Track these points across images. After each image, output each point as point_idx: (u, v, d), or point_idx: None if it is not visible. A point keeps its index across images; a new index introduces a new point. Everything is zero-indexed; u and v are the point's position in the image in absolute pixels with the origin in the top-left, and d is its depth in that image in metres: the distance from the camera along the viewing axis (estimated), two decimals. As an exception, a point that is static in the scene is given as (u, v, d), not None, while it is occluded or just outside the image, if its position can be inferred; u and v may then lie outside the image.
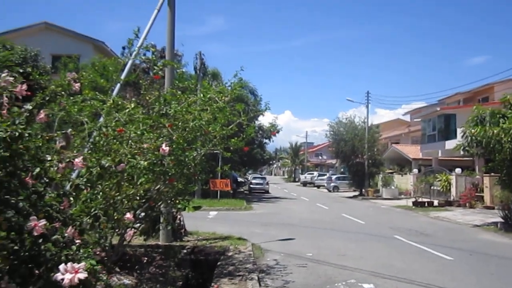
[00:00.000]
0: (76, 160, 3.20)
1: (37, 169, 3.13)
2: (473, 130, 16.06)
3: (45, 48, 24.86)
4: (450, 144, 25.82)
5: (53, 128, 5.55)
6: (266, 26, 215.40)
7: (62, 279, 2.28)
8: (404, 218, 20.08)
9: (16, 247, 2.57)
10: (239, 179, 48.78)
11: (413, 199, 26.51)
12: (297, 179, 77.61)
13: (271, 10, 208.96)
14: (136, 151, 6.99)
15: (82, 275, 2.32)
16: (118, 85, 8.86)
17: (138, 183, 7.17)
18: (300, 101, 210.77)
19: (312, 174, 62.32)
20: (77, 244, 3.27)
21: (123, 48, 24.68)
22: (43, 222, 2.75)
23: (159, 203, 8.14)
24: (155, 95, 7.40)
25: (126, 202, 7.59)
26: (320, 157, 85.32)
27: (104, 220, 3.94)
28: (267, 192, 40.24)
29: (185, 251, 9.73)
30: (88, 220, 3.78)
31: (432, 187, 28.18)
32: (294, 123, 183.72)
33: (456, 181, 27.02)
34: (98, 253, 6.79)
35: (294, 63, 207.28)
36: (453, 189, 27.10)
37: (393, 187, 34.91)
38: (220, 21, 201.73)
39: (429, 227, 16.70)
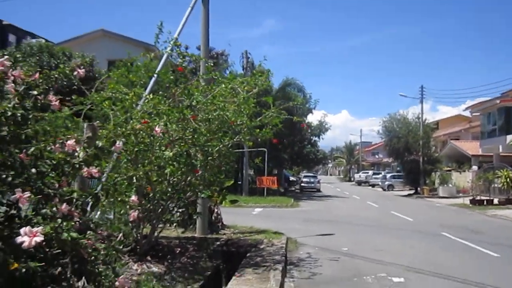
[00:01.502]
0: (68, 142, 3.34)
1: (32, 148, 3.32)
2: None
3: (102, 54, 26.17)
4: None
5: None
6: (321, 27, 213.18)
7: (22, 242, 2.41)
8: (458, 216, 19.13)
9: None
10: (291, 178, 48.69)
11: (471, 197, 25.21)
12: (352, 179, 76.20)
13: (326, 9, 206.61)
14: (164, 142, 7.24)
15: (39, 239, 2.44)
16: (153, 79, 9.11)
17: (165, 172, 7.42)
18: (357, 100, 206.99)
19: (367, 173, 60.93)
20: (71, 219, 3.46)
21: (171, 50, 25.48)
22: (27, 194, 2.91)
23: (187, 194, 8.34)
24: (181, 88, 7.56)
25: (158, 195, 7.93)
26: (376, 156, 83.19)
27: (105, 201, 4.07)
28: (318, 190, 39.81)
29: (218, 243, 9.83)
30: (90, 199, 3.93)
31: (492, 185, 26.63)
32: (351, 122, 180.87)
33: (518, 177, 25.31)
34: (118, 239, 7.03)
35: (352, 62, 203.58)
36: (515, 186, 25.43)
37: (450, 185, 33.33)
38: (272, 23, 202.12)
39: (483, 225, 15.80)
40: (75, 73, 4.26)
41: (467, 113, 48.99)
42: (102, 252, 4.51)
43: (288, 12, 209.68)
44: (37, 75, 4.03)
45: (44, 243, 2.79)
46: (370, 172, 59.58)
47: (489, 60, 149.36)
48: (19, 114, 3.41)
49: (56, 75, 4.30)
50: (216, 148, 7.62)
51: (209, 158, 7.50)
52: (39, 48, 23.34)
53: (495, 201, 24.44)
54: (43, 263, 3.03)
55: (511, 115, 27.36)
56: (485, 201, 24.24)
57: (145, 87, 8.78)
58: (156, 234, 8.42)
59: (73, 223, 3.16)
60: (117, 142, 3.91)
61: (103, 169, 7.19)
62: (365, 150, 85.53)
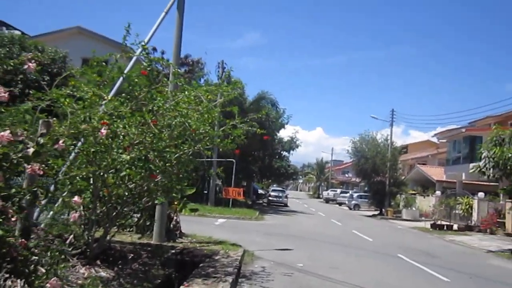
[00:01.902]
0: (2, 133, 3.24)
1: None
2: (490, 152, 15.52)
3: (77, 51, 25.67)
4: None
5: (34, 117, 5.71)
6: (301, 43, 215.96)
7: None
8: (417, 240, 19.47)
9: None
10: (260, 191, 48.69)
11: (432, 222, 25.74)
12: (321, 196, 76.81)
13: (307, 27, 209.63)
14: (124, 145, 7.12)
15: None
16: (119, 80, 8.97)
17: (121, 175, 7.29)
18: (332, 118, 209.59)
19: (335, 191, 61.56)
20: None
21: (147, 53, 25.27)
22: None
23: (144, 199, 8.21)
24: (144, 92, 7.48)
25: (113, 199, 7.78)
26: (346, 175, 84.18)
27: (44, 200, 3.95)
28: (286, 205, 39.92)
29: (173, 251, 9.70)
30: (28, 197, 3.81)
31: (453, 211, 27.29)
32: (325, 140, 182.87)
33: (478, 205, 26.05)
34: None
35: (329, 80, 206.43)
36: (474, 214, 26.13)
37: (414, 208, 33.98)
38: (256, 36, 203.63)
39: (440, 249, 16.12)
40: (25, 66, 4.17)
41: (435, 139, 50.39)
42: (43, 253, 4.39)
43: (270, 27, 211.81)
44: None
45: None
46: (338, 191, 60.23)
47: (462, 88, 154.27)
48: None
49: (9, 67, 4.20)
50: (176, 155, 7.54)
51: (167, 164, 7.42)
52: (11, 39, 22.75)
53: (455, 226, 25.02)
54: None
55: (475, 144, 28.17)
56: (445, 226, 24.78)
57: (111, 89, 8.67)
58: (108, 238, 8.23)
59: (1, 220, 3.04)
60: (60, 141, 3.80)
61: (59, 167, 7.05)
62: (336, 169, 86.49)
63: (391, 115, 38.03)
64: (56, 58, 23.09)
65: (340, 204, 51.58)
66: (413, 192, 37.38)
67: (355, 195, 46.67)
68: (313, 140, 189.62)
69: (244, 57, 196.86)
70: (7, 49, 21.53)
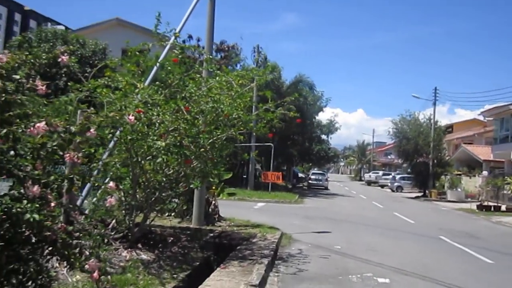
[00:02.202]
0: (38, 124, 3.43)
1: (4, 130, 3.42)
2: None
3: (116, 43, 26.33)
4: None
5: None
6: (340, 24, 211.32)
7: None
8: (461, 221, 18.96)
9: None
10: (300, 175, 48.73)
11: (479, 203, 24.94)
12: (362, 178, 75.85)
13: (345, 7, 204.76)
14: (160, 132, 7.33)
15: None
16: (154, 68, 9.19)
17: (157, 161, 7.52)
18: (374, 99, 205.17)
19: (377, 173, 60.55)
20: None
21: (183, 41, 25.58)
22: (-10, 173, 3.02)
23: (180, 184, 8.44)
24: (177, 79, 7.63)
25: (151, 184, 8.05)
26: (388, 157, 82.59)
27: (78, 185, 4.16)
28: (326, 188, 39.73)
29: (212, 234, 9.93)
30: (65, 184, 4.02)
31: (501, 191, 26.30)
32: (366, 121, 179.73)
33: (528, 185, 24.94)
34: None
35: (371, 60, 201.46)
36: (524, 194, 25.08)
37: (459, 189, 32.96)
38: (292, 18, 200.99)
39: (485, 230, 15.65)
40: (59, 59, 4.36)
41: (482, 118, 48.39)
42: (86, 236, 4.64)
43: (308, 7, 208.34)
44: (23, 57, 4.14)
45: (4, 224, 2.91)
46: (380, 173, 59.22)
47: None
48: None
49: (43, 61, 4.38)
50: (210, 141, 7.67)
51: (201, 150, 7.57)
52: (54, 34, 23.64)
53: (503, 207, 24.14)
54: (8, 243, 3.14)
55: (524, 121, 26.95)
56: (492, 207, 23.95)
57: (146, 77, 8.90)
58: (149, 222, 8.54)
59: (38, 205, 3.24)
60: (92, 129, 3.97)
61: (99, 155, 7.35)
62: (378, 151, 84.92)
63: (433, 94, 36.84)
64: (96, 50, 23.86)
65: (382, 186, 50.76)
66: (459, 172, 36.22)
67: (398, 176, 45.77)
68: (354, 122, 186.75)
69: (282, 41, 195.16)
70: (51, 43, 22.42)
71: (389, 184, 46.36)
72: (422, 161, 35.20)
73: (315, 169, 56.78)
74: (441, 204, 29.12)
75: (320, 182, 40.56)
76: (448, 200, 31.57)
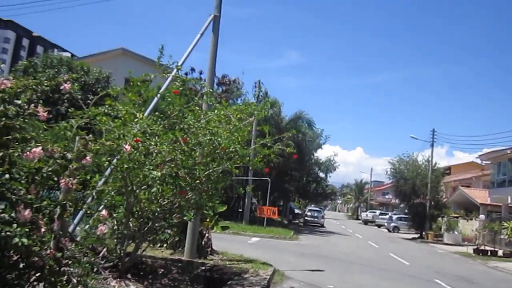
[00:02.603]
0: (35, 149, 3.48)
1: (0, 153, 3.47)
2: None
3: (120, 72, 26.74)
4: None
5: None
6: (341, 63, 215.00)
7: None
8: (457, 265, 18.72)
9: None
10: (296, 211, 48.43)
11: (476, 247, 24.70)
12: (359, 217, 75.30)
13: (347, 47, 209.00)
14: (157, 162, 7.36)
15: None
16: (155, 99, 9.32)
17: (152, 191, 7.52)
18: (373, 138, 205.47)
19: (374, 212, 60.20)
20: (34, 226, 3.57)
21: (185, 73, 25.97)
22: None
23: (174, 215, 8.39)
24: (176, 110, 7.73)
25: (145, 214, 8.02)
26: (386, 196, 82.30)
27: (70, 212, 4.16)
28: (322, 226, 39.37)
29: (203, 268, 9.80)
30: (58, 209, 4.03)
31: (498, 236, 26.09)
32: (365, 160, 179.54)
33: (525, 230, 24.75)
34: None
35: (370, 100, 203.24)
36: (521, 239, 24.84)
37: (456, 232, 32.70)
38: (295, 55, 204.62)
39: (481, 276, 15.44)
40: (62, 87, 4.46)
41: (480, 161, 48.52)
42: (74, 264, 4.60)
43: (310, 46, 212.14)
44: (27, 83, 4.24)
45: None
46: (377, 212, 58.87)
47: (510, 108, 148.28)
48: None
49: (45, 87, 4.48)
50: (205, 173, 7.70)
51: (196, 181, 7.58)
52: (59, 61, 24.06)
53: (500, 252, 23.90)
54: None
55: (521, 166, 27.05)
56: (489, 252, 23.71)
57: (147, 107, 9.02)
58: (140, 252, 8.44)
59: (27, 229, 3.24)
60: (88, 156, 4.01)
61: (95, 182, 7.37)
62: (376, 190, 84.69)
63: (431, 135, 37.10)
64: (100, 78, 24.22)
65: (379, 226, 50.40)
66: (456, 215, 36.03)
67: (395, 217, 45.50)
68: (353, 160, 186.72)
69: (283, 77, 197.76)
70: (56, 70, 22.77)
71: (386, 224, 46.02)
72: (419, 202, 35.11)
73: (312, 205, 56.50)
74: (437, 246, 28.81)
75: (316, 219, 40.22)
76: (445, 243, 31.26)
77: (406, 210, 44.46)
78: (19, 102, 4.07)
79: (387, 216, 48.84)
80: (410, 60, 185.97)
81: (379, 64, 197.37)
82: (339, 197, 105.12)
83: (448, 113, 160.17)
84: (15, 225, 3.18)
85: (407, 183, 34.72)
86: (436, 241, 32.46)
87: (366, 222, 59.48)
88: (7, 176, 3.62)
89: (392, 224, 43.36)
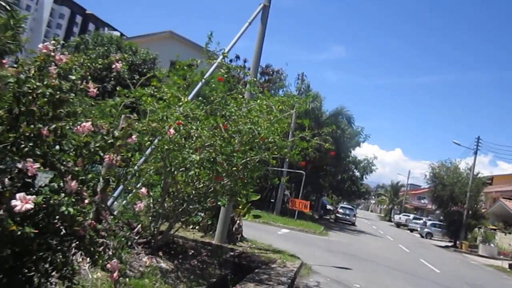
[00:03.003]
0: (85, 124, 3.64)
1: (53, 125, 3.65)
2: None
3: (166, 54, 27.31)
4: None
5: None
6: (386, 61, 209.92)
7: (15, 206, 2.69)
8: (490, 279, 18.15)
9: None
10: (328, 206, 48.15)
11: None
12: (392, 219, 74.00)
13: (394, 45, 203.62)
14: (196, 146, 7.52)
15: (29, 206, 2.71)
16: (199, 84, 9.49)
17: (189, 174, 7.69)
18: (413, 140, 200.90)
19: (408, 216, 58.99)
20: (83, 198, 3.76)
21: (230, 60, 26.19)
22: (37, 165, 3.22)
23: (208, 199, 8.56)
24: (220, 97, 7.85)
25: (180, 195, 8.22)
26: (422, 201, 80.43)
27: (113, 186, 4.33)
28: (353, 224, 38.97)
29: (232, 253, 9.95)
30: (101, 183, 4.21)
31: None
32: (403, 162, 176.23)
33: None
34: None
35: (413, 100, 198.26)
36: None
37: (492, 245, 31.62)
38: (340, 50, 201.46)
39: (515, 292, 14.93)
40: (113, 66, 4.62)
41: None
42: (111, 237, 4.81)
43: (356, 41, 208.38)
44: (81, 60, 4.42)
45: (40, 213, 3.09)
46: (411, 216, 57.68)
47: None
48: (49, 94, 3.75)
49: (99, 65, 4.66)
50: (243, 161, 7.79)
51: (233, 168, 7.69)
52: (109, 39, 24.77)
53: (538, 270, 22.97)
54: (41, 232, 3.32)
55: None
56: (526, 269, 22.85)
57: (191, 91, 9.19)
58: (173, 232, 8.68)
59: (74, 200, 3.42)
60: (133, 136, 4.16)
61: (135, 160, 7.63)
62: (411, 193, 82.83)
63: (476, 143, 35.84)
64: (147, 59, 24.80)
65: (412, 230, 49.40)
66: (494, 227, 34.82)
67: (429, 222, 44.43)
68: (390, 161, 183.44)
69: (326, 71, 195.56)
70: (105, 48, 23.46)
71: (419, 229, 45.05)
72: (456, 210, 34.13)
73: (344, 203, 55.99)
74: (471, 257, 27.99)
75: (348, 217, 39.84)
76: (479, 255, 30.30)
77: (442, 217, 43.32)
78: (73, 77, 4.25)
79: (421, 221, 47.81)
80: (461, 62, 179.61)
81: (427, 64, 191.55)
82: (373, 197, 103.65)
83: (495, 121, 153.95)
84: (62, 195, 3.35)
85: (446, 189, 33.78)
86: (470, 251, 31.53)
87: (398, 225, 58.44)
88: (57, 147, 3.82)
89: (426, 230, 42.39)
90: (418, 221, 49.29)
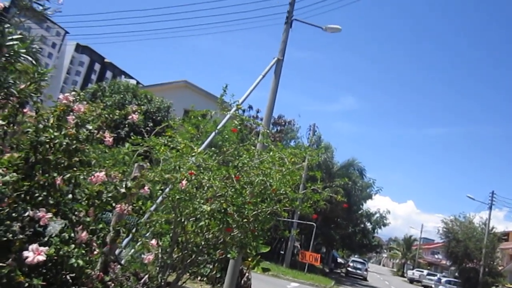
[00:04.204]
0: (98, 174, 3.66)
1: (68, 175, 3.67)
2: None
3: (181, 103, 27.91)
4: None
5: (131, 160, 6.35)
6: (397, 112, 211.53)
7: (27, 257, 2.65)
8: None
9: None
10: (339, 260, 46.95)
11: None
12: (405, 275, 71.61)
13: (404, 96, 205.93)
14: (207, 196, 7.48)
15: (42, 258, 2.67)
16: (211, 135, 9.60)
17: (199, 224, 7.59)
18: (425, 193, 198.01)
19: (421, 272, 57.03)
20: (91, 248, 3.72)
21: (243, 110, 26.60)
22: (49, 215, 3.21)
23: (218, 251, 8.39)
24: (232, 148, 7.88)
25: (189, 246, 8.10)
26: (435, 256, 78.17)
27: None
28: (365, 279, 37.77)
29: (240, 308, 9.65)
30: (112, 234, 4.17)
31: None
32: (416, 215, 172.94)
33: None
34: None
35: (425, 153, 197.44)
36: None
37: (511, 306, 30.32)
38: (351, 101, 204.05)
39: None
40: (129, 117, 4.71)
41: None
42: (117, 287, 4.71)
43: (368, 93, 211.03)
44: (99, 111, 4.51)
45: (50, 263, 3.05)
46: (425, 272, 55.70)
47: None
48: (65, 144, 3.80)
49: (116, 116, 4.74)
50: (254, 212, 7.70)
51: (244, 220, 7.59)
52: (126, 87, 25.44)
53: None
54: (48, 283, 3.26)
55: None
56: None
57: (203, 141, 9.28)
58: (180, 283, 8.46)
59: (84, 251, 3.37)
60: (146, 187, 4.16)
61: (146, 209, 7.59)
62: (425, 248, 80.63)
63: (490, 197, 35.19)
64: (161, 107, 25.32)
65: (426, 287, 47.61)
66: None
67: (444, 279, 42.85)
68: (402, 214, 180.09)
69: (338, 121, 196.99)
70: (122, 95, 24.06)
71: (433, 286, 43.41)
72: (471, 267, 33.10)
73: (356, 256, 54.56)
74: (489, 318, 26.77)
75: (359, 271, 38.68)
76: (498, 316, 29.02)
77: (457, 274, 41.87)
78: (90, 127, 4.32)
79: (435, 278, 46.11)
80: (472, 114, 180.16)
81: (439, 115, 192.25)
82: (385, 251, 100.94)
83: (508, 175, 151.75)
84: (72, 246, 3.31)
85: (460, 245, 32.93)
86: (488, 312, 30.23)
87: (412, 280, 56.38)
88: (70, 196, 3.82)
89: (440, 287, 40.85)
90: (432, 277, 47.57)
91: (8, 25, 3.26)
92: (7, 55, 3.33)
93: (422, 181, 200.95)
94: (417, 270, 60.27)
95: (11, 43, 3.32)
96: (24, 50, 3.43)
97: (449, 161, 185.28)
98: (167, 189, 7.30)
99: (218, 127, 9.93)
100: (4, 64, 3.34)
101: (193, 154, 7.02)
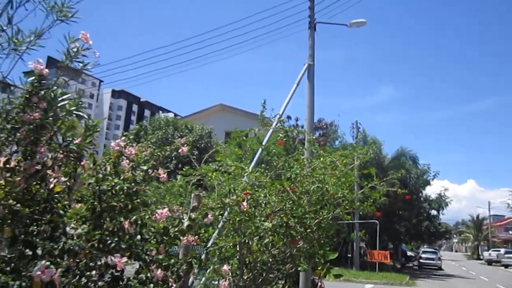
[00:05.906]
0: (162, 211, 3.74)
1: (133, 217, 3.77)
2: None
3: (220, 126, 28.32)
4: None
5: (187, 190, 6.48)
6: (439, 92, 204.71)
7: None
8: None
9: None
10: (409, 253, 45.49)
11: None
12: (481, 257, 68.36)
13: (443, 75, 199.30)
14: (266, 213, 7.49)
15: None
16: (258, 152, 9.65)
17: (264, 242, 7.59)
18: (486, 169, 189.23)
19: (498, 251, 54.27)
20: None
21: (283, 122, 26.62)
22: (124, 259, 3.30)
23: (287, 265, 8.33)
24: (282, 161, 7.87)
25: (258, 265, 8.10)
26: (510, 232, 74.33)
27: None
28: (440, 268, 36.33)
29: (320, 319, 9.49)
30: (184, 266, 4.22)
31: None
32: (479, 193, 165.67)
33: None
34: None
35: (474, 129, 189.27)
36: None
37: None
38: (389, 90, 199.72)
39: None
40: (180, 150, 4.80)
41: None
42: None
43: (404, 78, 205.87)
44: (148, 151, 4.63)
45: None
46: (502, 251, 53.00)
47: None
48: (126, 188, 3.93)
49: (167, 152, 4.85)
50: (316, 221, 7.61)
51: (307, 230, 7.52)
52: (166, 122, 26.10)
53: None
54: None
55: None
56: None
57: (251, 160, 9.33)
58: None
59: (164, 289, 3.43)
60: (209, 215, 4.21)
61: (209, 235, 7.68)
62: (496, 225, 76.84)
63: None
64: (203, 134, 25.77)
65: (506, 266, 45.19)
66: None
67: (525, 255, 40.62)
68: (465, 194, 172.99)
69: (379, 114, 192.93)
70: (163, 130, 24.69)
71: (515, 264, 41.21)
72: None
73: (425, 246, 52.59)
74: None
75: (433, 261, 37.26)
76: None
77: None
78: (144, 167, 4.44)
79: (515, 255, 43.83)
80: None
81: (486, 87, 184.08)
82: (454, 236, 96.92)
83: None
84: (151, 285, 3.38)
85: (535, 217, 31.06)
86: None
87: (490, 262, 53.72)
88: (138, 237, 3.93)
89: (523, 264, 38.69)
90: (511, 255, 45.21)
91: (55, 87, 3.42)
92: (61, 115, 3.50)
93: (479, 158, 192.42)
94: (493, 250, 57.41)
95: (63, 103, 3.48)
96: (74, 108, 3.59)
97: (503, 133, 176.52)
98: (226, 213, 7.37)
99: (264, 143, 9.98)
100: (59, 123, 3.50)
101: (245, 174, 7.06)
